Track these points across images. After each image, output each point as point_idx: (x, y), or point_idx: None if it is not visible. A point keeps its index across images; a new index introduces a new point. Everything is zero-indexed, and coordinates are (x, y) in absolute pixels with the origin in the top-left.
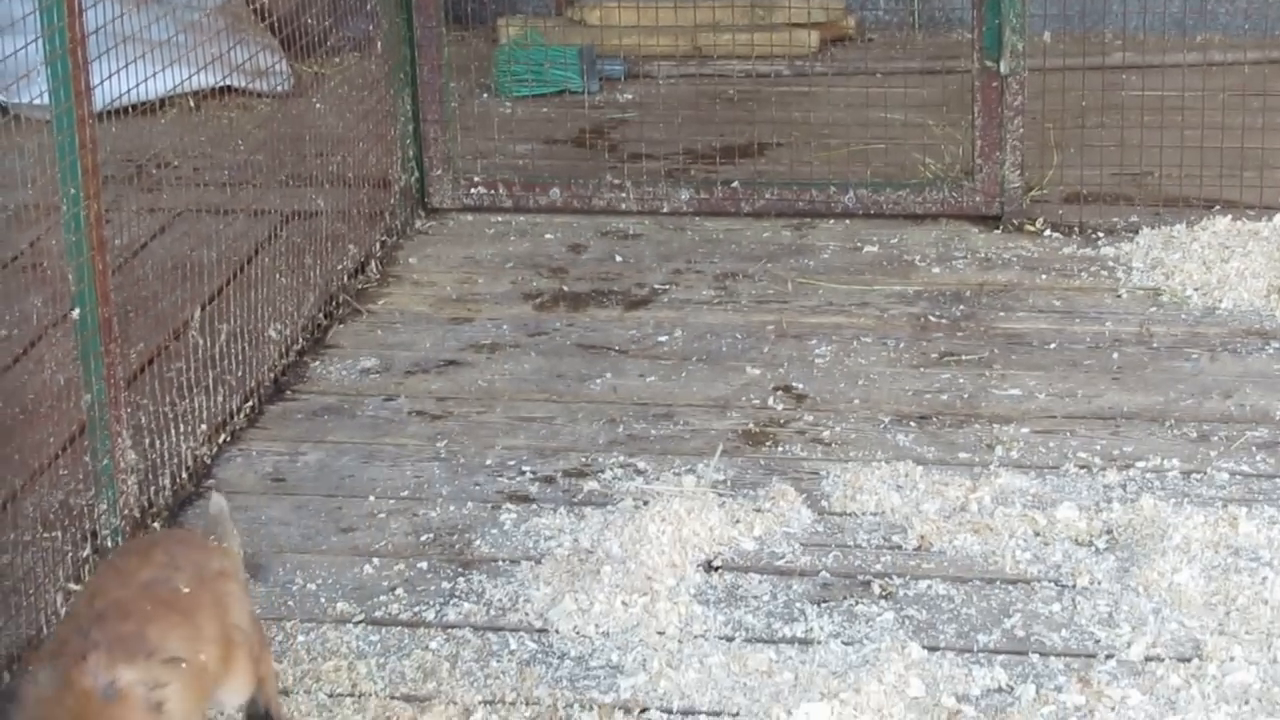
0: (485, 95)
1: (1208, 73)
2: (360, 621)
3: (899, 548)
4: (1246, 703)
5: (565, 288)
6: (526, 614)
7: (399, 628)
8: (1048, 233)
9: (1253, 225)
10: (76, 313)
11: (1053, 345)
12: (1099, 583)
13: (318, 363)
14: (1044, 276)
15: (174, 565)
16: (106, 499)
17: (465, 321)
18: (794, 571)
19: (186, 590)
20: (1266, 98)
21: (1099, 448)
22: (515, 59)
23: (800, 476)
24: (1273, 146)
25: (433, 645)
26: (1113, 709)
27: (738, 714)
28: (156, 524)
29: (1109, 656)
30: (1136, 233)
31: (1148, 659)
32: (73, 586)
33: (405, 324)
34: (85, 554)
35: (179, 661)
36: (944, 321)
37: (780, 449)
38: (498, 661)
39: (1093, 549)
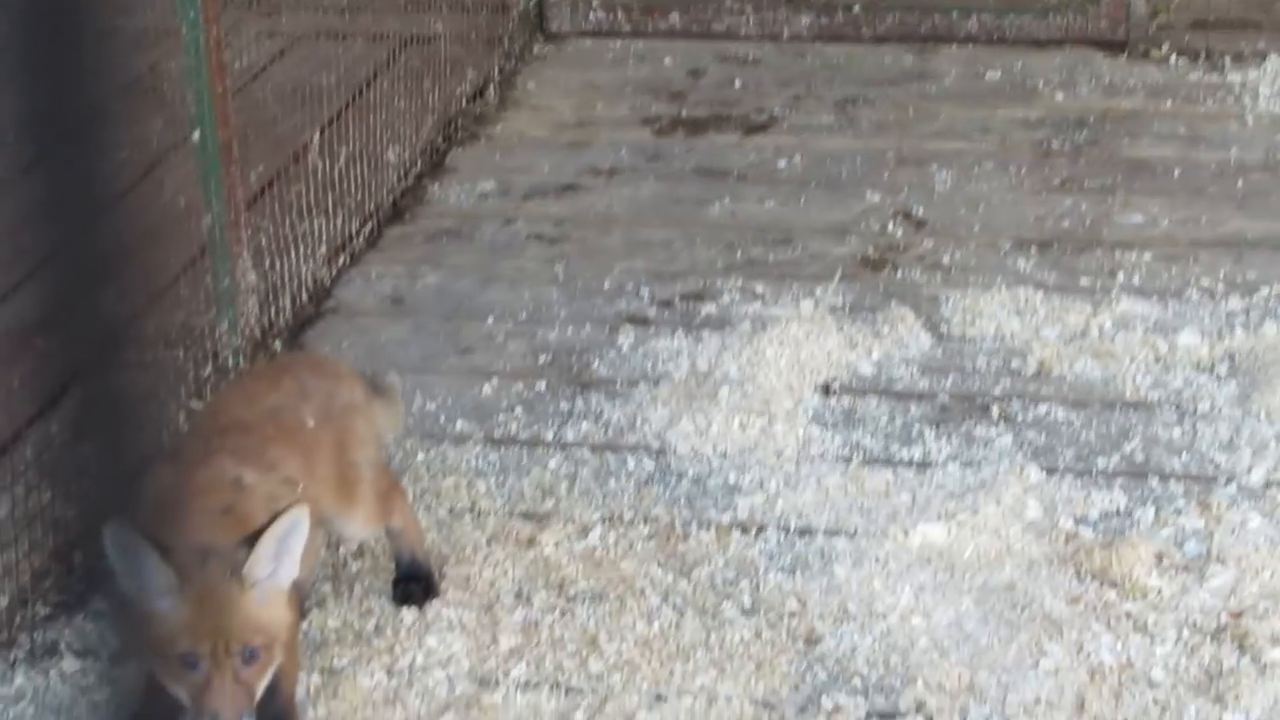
0: None
1: None
2: (480, 440)
3: (1018, 372)
4: None
5: (684, 113)
6: (644, 435)
7: (517, 447)
8: (1173, 59)
9: None
10: (196, 135)
11: (1177, 172)
12: (1220, 408)
13: (436, 186)
14: (1169, 103)
15: (303, 394)
16: (227, 319)
17: (583, 146)
18: (912, 395)
19: (311, 423)
20: None
21: (1222, 274)
22: None
23: (919, 301)
24: None
25: (551, 464)
26: (1232, 532)
27: (854, 534)
28: (277, 344)
29: (1229, 481)
30: (1264, 59)
31: (1268, 484)
32: (194, 404)
33: (523, 148)
34: (206, 373)
35: (295, 484)
36: (1067, 147)
37: (899, 274)
38: (615, 481)
39: (1214, 375)
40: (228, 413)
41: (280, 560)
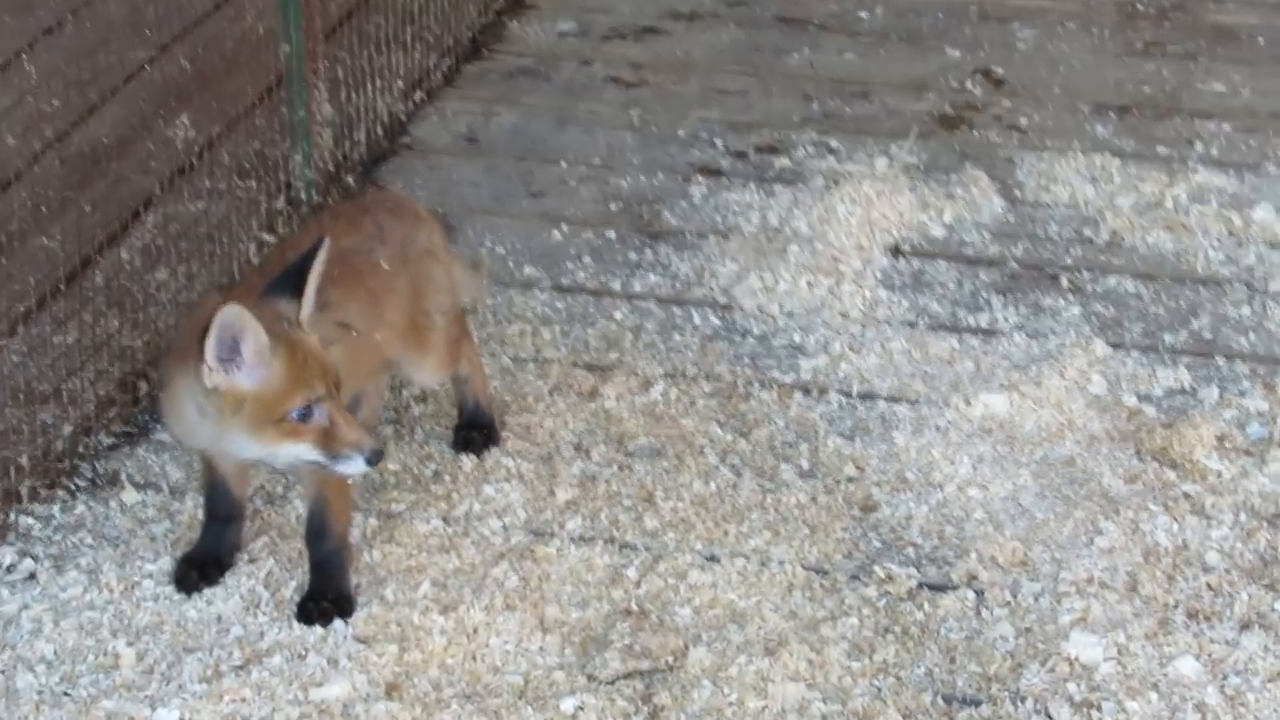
0: None
1: None
2: (547, 287)
3: (1090, 241)
4: None
5: None
6: (711, 289)
7: (585, 295)
8: None
9: None
10: None
11: (1262, 40)
12: None
13: (516, 23)
14: None
15: (380, 238)
16: (301, 151)
17: None
18: (981, 260)
19: (385, 268)
20: None
21: None
22: None
23: (994, 163)
24: None
25: (617, 315)
26: None
27: (916, 400)
28: (350, 178)
29: None
30: None
31: None
32: (266, 236)
33: None
34: (279, 205)
35: (349, 329)
36: (1152, 11)
37: (976, 134)
38: (680, 335)
39: None
40: (296, 250)
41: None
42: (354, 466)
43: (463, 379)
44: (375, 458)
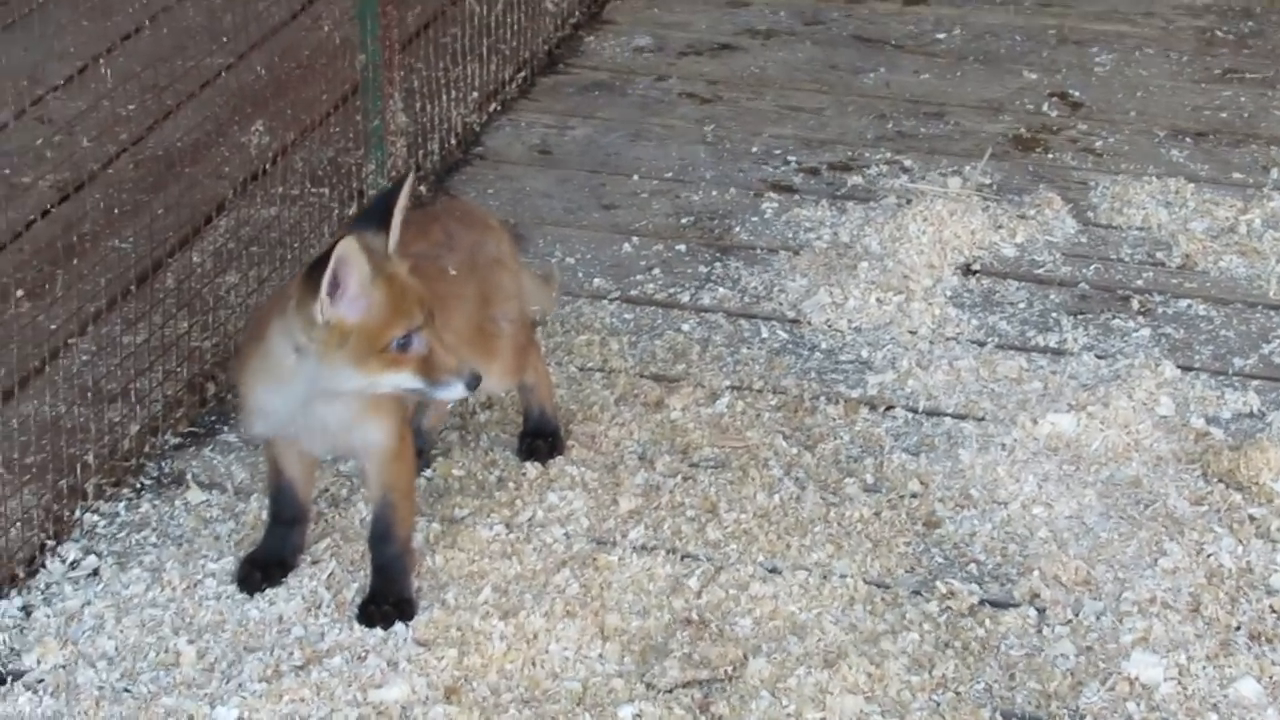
0: None
1: None
2: (615, 299)
3: (1162, 264)
4: None
5: None
6: (780, 304)
7: (653, 307)
8: None
9: None
10: None
11: None
12: None
13: (592, 38)
14: None
15: (449, 245)
16: (375, 159)
17: (742, 5)
18: (1053, 281)
19: (453, 274)
20: None
21: None
22: None
23: (1068, 185)
24: None
25: (685, 327)
26: None
27: (983, 418)
28: (423, 188)
29: None
30: None
31: None
32: None
33: (681, 4)
34: (351, 212)
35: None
36: (1231, 37)
37: (1050, 156)
38: (748, 348)
39: None
40: None
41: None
42: (454, 391)
43: (528, 387)
44: (474, 382)
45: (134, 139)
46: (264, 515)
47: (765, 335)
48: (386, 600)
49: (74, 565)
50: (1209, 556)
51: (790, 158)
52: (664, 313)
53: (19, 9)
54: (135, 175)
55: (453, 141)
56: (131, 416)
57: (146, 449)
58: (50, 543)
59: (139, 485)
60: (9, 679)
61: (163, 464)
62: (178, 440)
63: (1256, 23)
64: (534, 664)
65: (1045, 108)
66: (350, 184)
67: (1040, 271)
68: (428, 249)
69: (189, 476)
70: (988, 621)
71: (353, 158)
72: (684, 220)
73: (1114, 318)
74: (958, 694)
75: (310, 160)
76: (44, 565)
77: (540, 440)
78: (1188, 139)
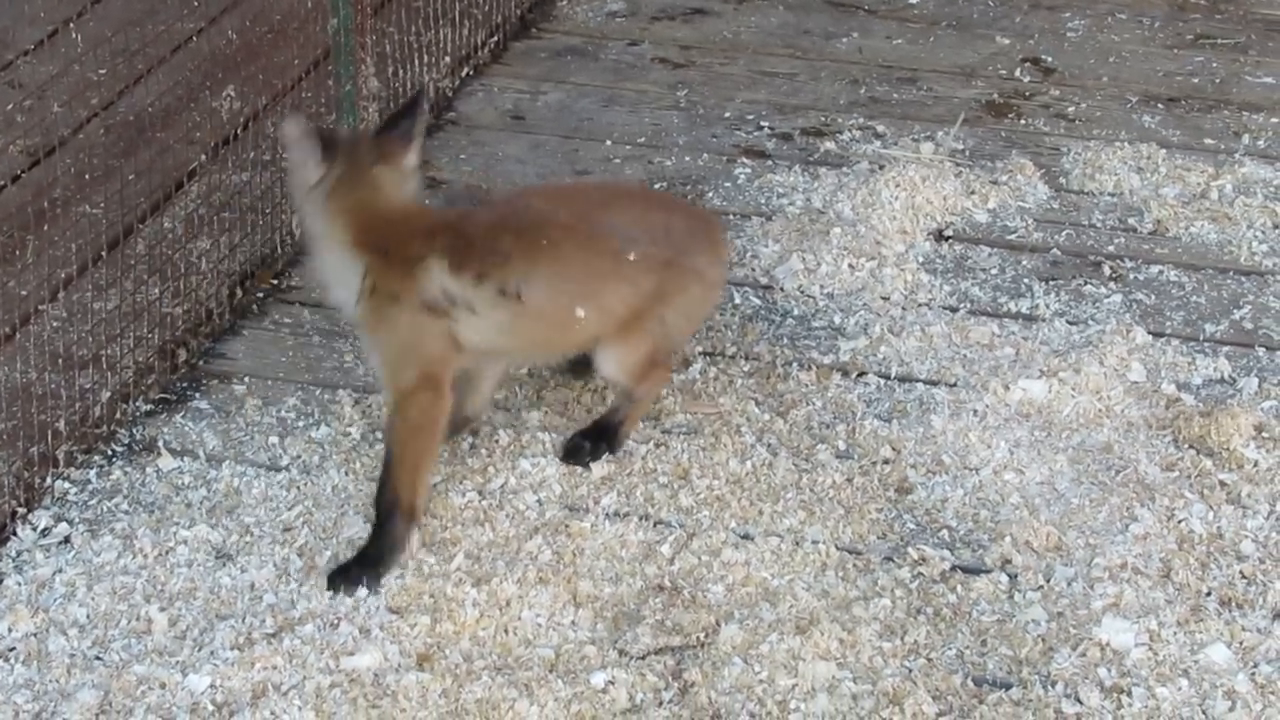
0: None
1: None
2: None
3: (1134, 230)
4: None
5: None
6: (753, 269)
7: None
8: None
9: None
10: None
11: None
12: None
13: (565, 2)
14: None
15: (657, 238)
16: (347, 124)
17: None
18: (1025, 247)
19: (631, 257)
20: None
21: None
22: None
23: (1040, 151)
24: None
25: None
26: None
27: (954, 385)
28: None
29: None
30: None
31: None
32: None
33: None
34: None
35: (511, 296)
36: (1203, 3)
37: (1023, 122)
38: (720, 314)
39: None
40: (537, 195)
41: None
42: None
43: (631, 398)
44: None
45: (105, 104)
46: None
47: (738, 301)
48: (358, 562)
49: (45, 533)
50: (1180, 522)
51: (763, 123)
52: None
53: None
54: (106, 140)
55: (426, 106)
56: (103, 383)
57: (118, 416)
58: (21, 510)
59: (110, 452)
60: None
61: (134, 431)
62: (149, 407)
63: None
64: (507, 631)
65: (1018, 73)
66: None
67: (1012, 237)
68: (627, 228)
69: (160, 443)
70: (959, 587)
71: (325, 123)
72: (657, 186)
73: (1086, 284)
74: (929, 660)
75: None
76: (15, 533)
77: (589, 444)
78: (1159, 105)
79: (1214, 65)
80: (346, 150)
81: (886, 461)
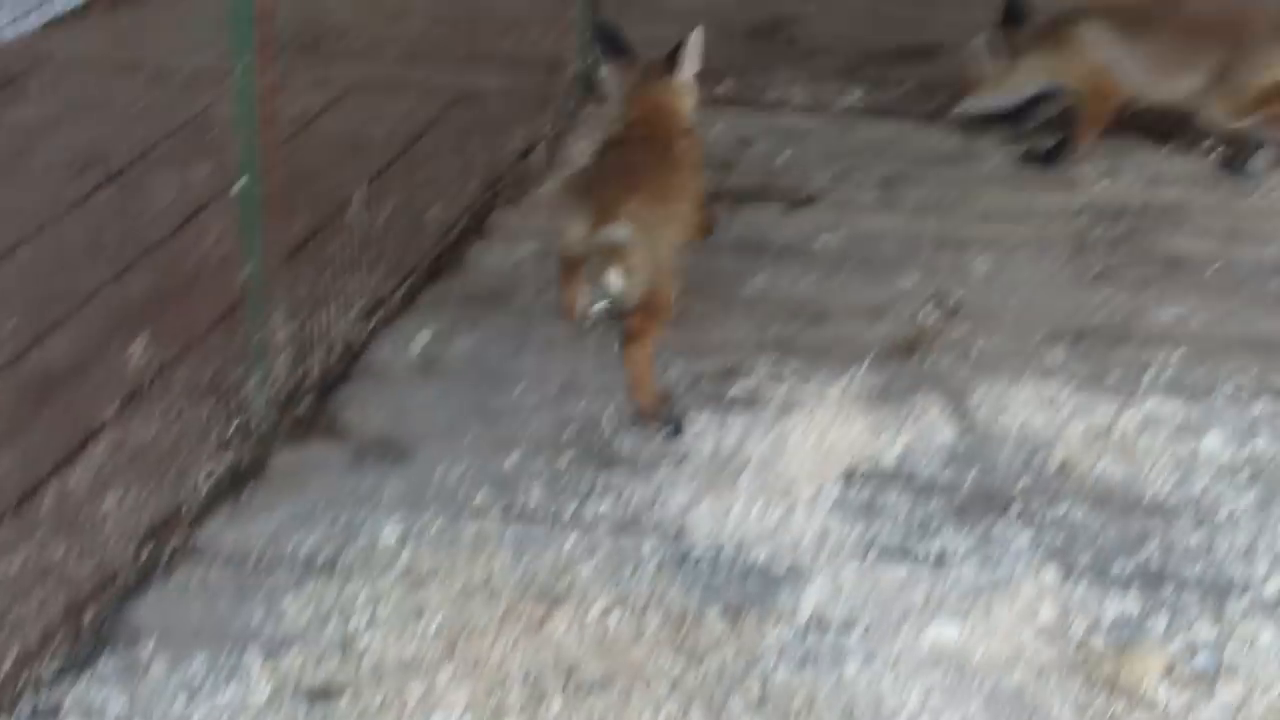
0: None
1: None
2: (498, 515)
3: (1041, 469)
4: None
5: (729, 183)
6: (664, 516)
7: (537, 522)
8: (1217, 151)
9: None
10: (241, 184)
11: (1213, 268)
12: (1239, 516)
13: (477, 247)
14: (1210, 196)
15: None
16: (257, 374)
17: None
18: (934, 487)
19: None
20: None
21: (1251, 376)
22: None
23: (948, 390)
24: None
25: (568, 543)
26: (1244, 645)
27: (867, 629)
28: (305, 403)
29: (1244, 592)
30: None
31: None
32: (218, 462)
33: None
34: (232, 430)
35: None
36: (1105, 238)
37: (930, 360)
38: (632, 563)
39: (1235, 481)
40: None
41: None
42: None
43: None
44: None
45: (13, 357)
46: None
47: (649, 549)
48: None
49: None
50: None
51: (674, 365)
52: (548, 527)
53: None
54: (14, 395)
55: (335, 355)
56: (7, 647)
57: (22, 681)
58: None
59: (14, 719)
60: None
61: (39, 695)
62: (54, 671)
63: (1130, 223)
64: None
65: (925, 312)
66: (231, 401)
67: (921, 478)
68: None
69: (66, 708)
70: None
71: (234, 373)
72: (568, 431)
73: (995, 523)
74: None
75: (192, 377)
76: None
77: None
78: (1065, 341)
79: (1117, 301)
80: None
81: (798, 713)
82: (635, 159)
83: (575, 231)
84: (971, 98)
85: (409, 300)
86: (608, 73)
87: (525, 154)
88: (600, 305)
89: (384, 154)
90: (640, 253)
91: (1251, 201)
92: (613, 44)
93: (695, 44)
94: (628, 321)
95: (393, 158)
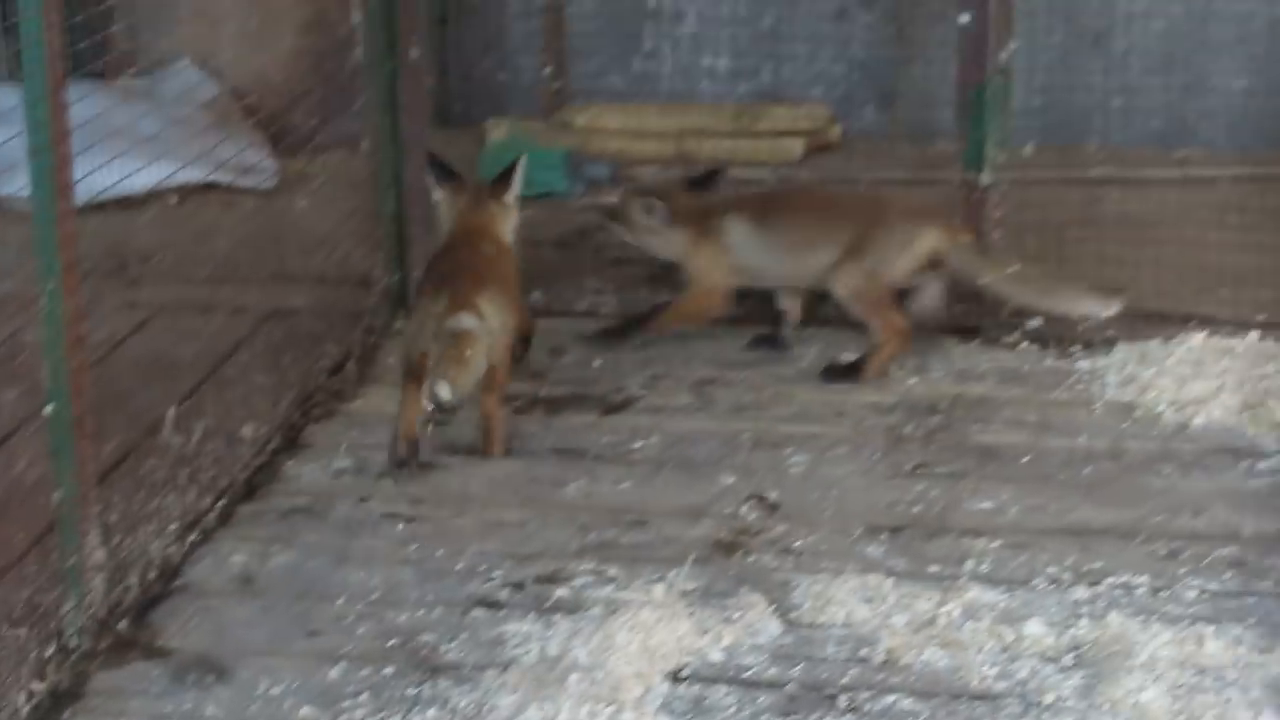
0: None
1: (1187, 188)
2: None
3: (866, 661)
4: None
5: (543, 392)
6: None
7: None
8: (1024, 345)
9: (1227, 342)
10: (50, 409)
11: (1026, 459)
12: (1065, 700)
13: (292, 462)
14: (1019, 389)
15: None
16: (73, 597)
17: (441, 424)
18: (761, 683)
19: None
20: (1244, 214)
21: (1069, 563)
22: (501, 161)
23: (770, 587)
24: (1249, 263)
25: None
26: None
27: None
28: (123, 624)
29: None
30: (1112, 347)
31: None
32: (36, 686)
33: (381, 425)
34: (49, 653)
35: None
36: (919, 432)
37: (751, 558)
38: None
39: (1059, 666)
40: None
41: None
42: None
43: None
44: None
45: None
46: None
47: None
48: None
49: None
50: None
51: (496, 573)
52: None
53: None
54: None
55: (153, 575)
56: None
57: None
58: None
59: None
60: None
61: None
62: None
63: (943, 417)
64: None
65: (744, 510)
66: (47, 624)
67: (748, 675)
68: None
69: None
70: None
71: (50, 596)
72: (391, 642)
73: (824, 718)
74: None
75: (7, 601)
76: None
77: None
78: (884, 534)
79: (934, 494)
80: None
81: None
82: (470, 259)
83: (425, 325)
84: (622, 229)
85: (226, 517)
86: (440, 196)
87: (337, 369)
88: (439, 401)
89: (195, 373)
90: (484, 340)
91: (1057, 394)
92: (443, 171)
93: (522, 169)
94: (486, 379)
95: (204, 376)
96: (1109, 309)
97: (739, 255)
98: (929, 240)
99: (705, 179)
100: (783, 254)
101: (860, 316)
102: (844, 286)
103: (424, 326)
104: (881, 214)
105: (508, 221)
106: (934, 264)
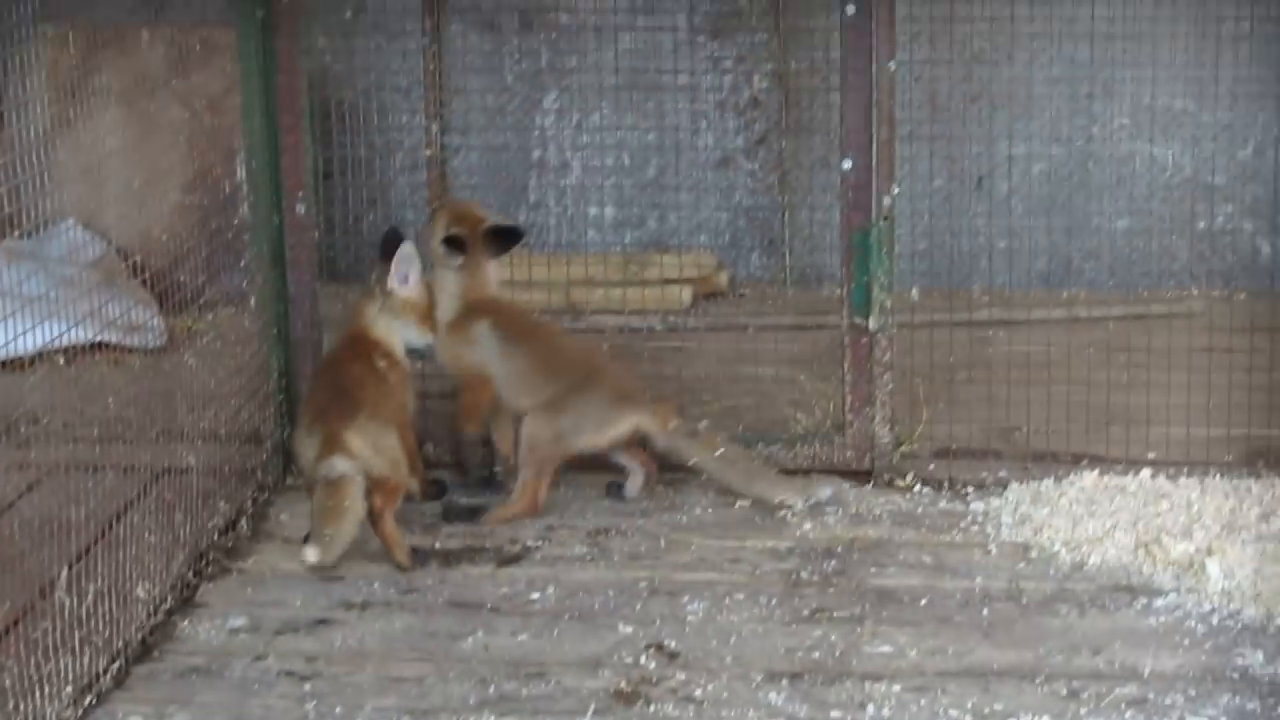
0: None
1: (1074, 328)
2: None
3: None
4: None
5: (437, 544)
6: None
7: None
8: (918, 488)
9: (1119, 480)
10: None
11: (923, 601)
12: None
13: (186, 622)
14: (914, 532)
15: None
16: None
17: (336, 579)
18: None
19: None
20: (1131, 353)
21: (970, 705)
22: None
23: None
24: (1138, 402)
25: None
26: None
27: None
28: None
29: None
30: (1005, 488)
31: None
32: None
33: (275, 581)
34: None
35: None
36: (816, 578)
37: (652, 708)
38: None
39: None
40: None
41: None
42: None
43: None
44: None
45: None
46: None
47: None
48: None
49: None
50: None
51: None
52: None
53: None
54: None
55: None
56: None
57: None
58: None
59: None
60: None
61: None
62: None
63: (839, 561)
64: None
65: (643, 660)
66: None
67: None
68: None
69: None
70: None
71: None
72: None
73: None
74: None
75: None
76: None
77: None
78: (784, 681)
79: (832, 638)
80: None
81: None
82: (341, 381)
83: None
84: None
85: (121, 679)
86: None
87: (230, 527)
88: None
89: (87, 533)
90: (358, 481)
91: (951, 536)
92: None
93: (404, 257)
94: (371, 503)
95: (96, 537)
96: (806, 499)
97: (476, 354)
98: (628, 424)
99: (509, 232)
100: (505, 374)
101: (520, 463)
102: (529, 428)
103: (305, 455)
104: (595, 384)
105: (394, 319)
106: (640, 443)
